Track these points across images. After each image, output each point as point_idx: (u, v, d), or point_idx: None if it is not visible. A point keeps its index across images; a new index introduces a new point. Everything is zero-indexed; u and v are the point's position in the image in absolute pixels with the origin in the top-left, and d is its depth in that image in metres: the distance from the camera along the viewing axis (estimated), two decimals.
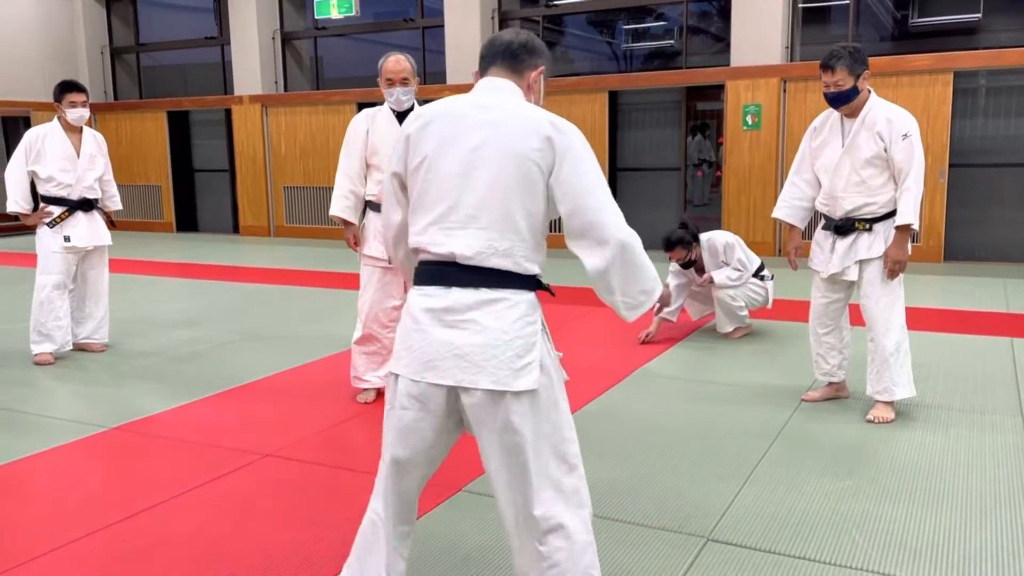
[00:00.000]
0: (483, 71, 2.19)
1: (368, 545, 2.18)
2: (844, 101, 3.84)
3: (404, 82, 4.18)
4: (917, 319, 4.89)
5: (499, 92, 2.13)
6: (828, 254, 4.05)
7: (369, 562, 2.17)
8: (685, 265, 5.72)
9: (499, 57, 2.17)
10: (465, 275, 1.99)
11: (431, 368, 1.99)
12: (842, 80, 3.79)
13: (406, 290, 4.38)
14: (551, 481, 2.01)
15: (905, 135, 3.78)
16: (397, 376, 2.07)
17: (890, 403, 4.03)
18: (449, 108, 2.10)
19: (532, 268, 2.03)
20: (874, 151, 3.83)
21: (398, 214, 2.20)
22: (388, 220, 2.25)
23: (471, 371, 1.96)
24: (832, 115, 4.01)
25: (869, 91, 3.88)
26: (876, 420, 3.98)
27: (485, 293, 1.98)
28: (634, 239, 2.02)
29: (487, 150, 2.00)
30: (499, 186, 1.98)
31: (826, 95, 3.87)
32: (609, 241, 1.99)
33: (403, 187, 2.15)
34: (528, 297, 2.02)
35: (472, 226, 1.99)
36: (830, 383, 4.32)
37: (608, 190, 2.03)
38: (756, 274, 5.81)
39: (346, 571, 2.23)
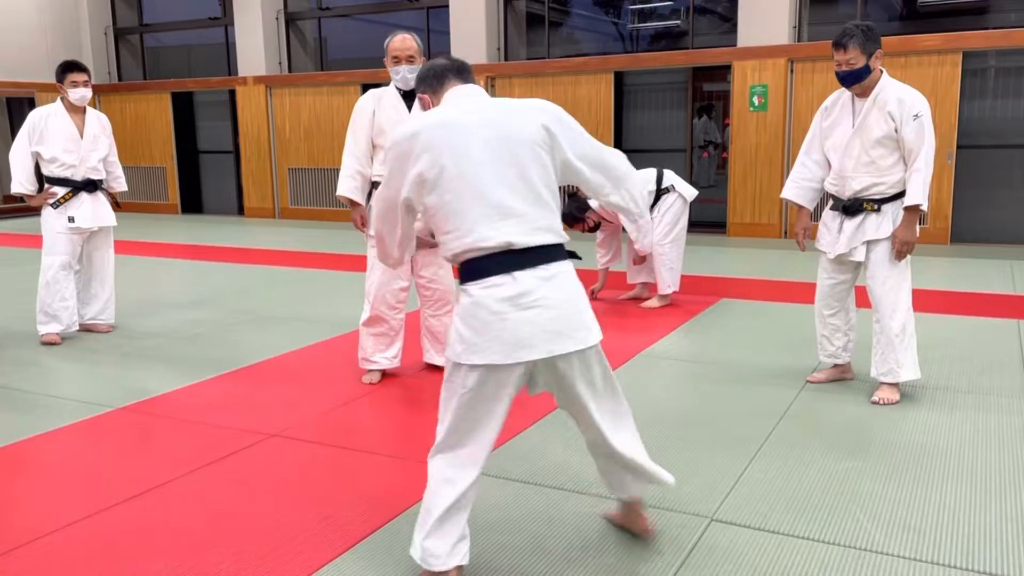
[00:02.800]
0: (438, 88, 2.44)
1: (452, 514, 2.35)
2: (856, 80, 3.81)
3: (410, 60, 4.17)
4: (923, 301, 4.88)
5: (476, 96, 2.39)
6: (836, 235, 4.03)
7: (456, 519, 2.37)
8: (592, 230, 6.18)
9: (452, 73, 2.44)
10: (523, 258, 2.22)
11: (523, 347, 2.21)
12: (854, 59, 3.75)
13: (414, 271, 4.41)
14: (620, 416, 2.50)
15: (916, 115, 3.75)
16: (476, 366, 2.24)
17: (895, 384, 4.02)
18: (441, 120, 2.29)
19: (565, 235, 2.33)
20: (885, 131, 3.80)
21: (399, 230, 2.45)
22: (392, 232, 2.47)
23: (554, 341, 2.22)
24: (843, 95, 3.98)
25: (881, 71, 3.85)
26: (881, 401, 3.98)
27: (546, 270, 2.24)
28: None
29: (501, 149, 2.24)
30: (528, 177, 2.25)
31: (838, 74, 3.83)
32: (629, 185, 2.53)
33: (410, 209, 2.37)
34: (571, 266, 2.34)
35: (511, 216, 2.22)
36: (835, 365, 4.31)
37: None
38: (659, 194, 6.11)
39: (428, 534, 2.37)
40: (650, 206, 6.10)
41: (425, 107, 2.49)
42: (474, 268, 2.23)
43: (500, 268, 2.20)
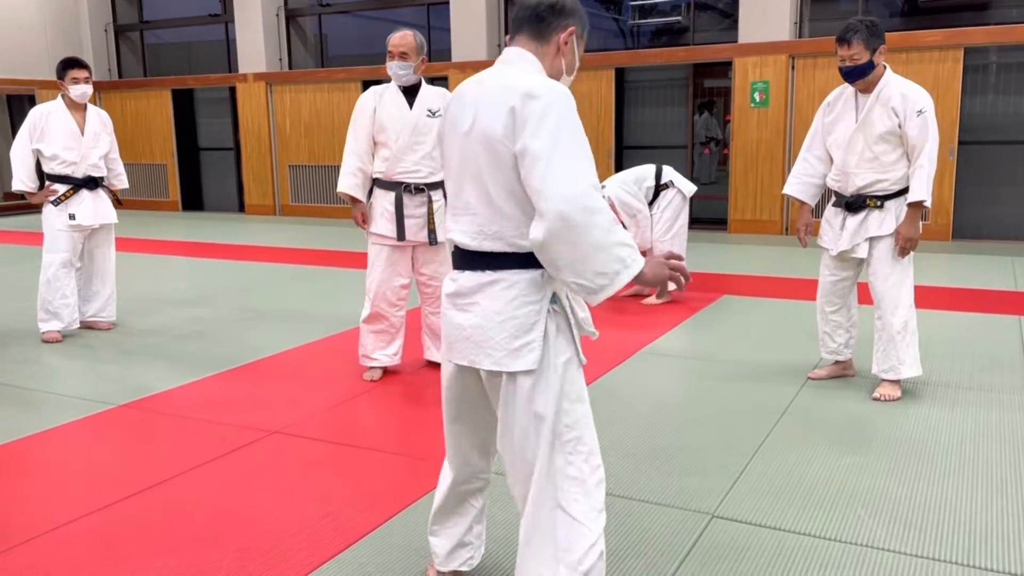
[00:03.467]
0: (511, 39, 2.10)
1: (443, 515, 2.36)
2: (859, 75, 3.80)
3: (403, 56, 4.16)
4: (925, 297, 4.87)
5: (508, 64, 2.04)
6: (838, 231, 4.03)
7: (449, 522, 2.35)
8: None
9: (525, 22, 2.06)
10: (470, 259, 2.01)
11: (452, 349, 2.07)
12: (858, 54, 3.75)
13: (415, 268, 4.41)
14: (547, 468, 1.96)
15: (920, 111, 3.74)
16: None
17: (896, 381, 4.02)
18: (460, 89, 2.07)
19: (520, 244, 1.95)
20: (888, 127, 3.79)
21: None
22: None
23: (475, 352, 2.00)
24: (846, 90, 3.97)
25: (885, 66, 3.84)
26: (882, 398, 3.98)
27: (487, 275, 1.98)
28: (583, 214, 1.79)
29: (473, 133, 1.95)
30: (480, 171, 1.94)
31: (841, 69, 3.83)
32: (545, 212, 1.80)
33: None
34: (529, 276, 1.96)
35: (467, 212, 2.00)
36: (836, 361, 4.31)
37: (573, 158, 1.83)
38: (658, 190, 6.05)
39: (432, 530, 2.39)
40: (649, 202, 6.11)
41: None
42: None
43: (456, 263, 2.06)
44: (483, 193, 1.95)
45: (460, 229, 2.01)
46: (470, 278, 2.01)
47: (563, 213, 1.79)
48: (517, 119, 1.86)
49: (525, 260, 1.96)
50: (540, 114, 1.84)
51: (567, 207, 1.79)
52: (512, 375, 1.96)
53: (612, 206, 6.02)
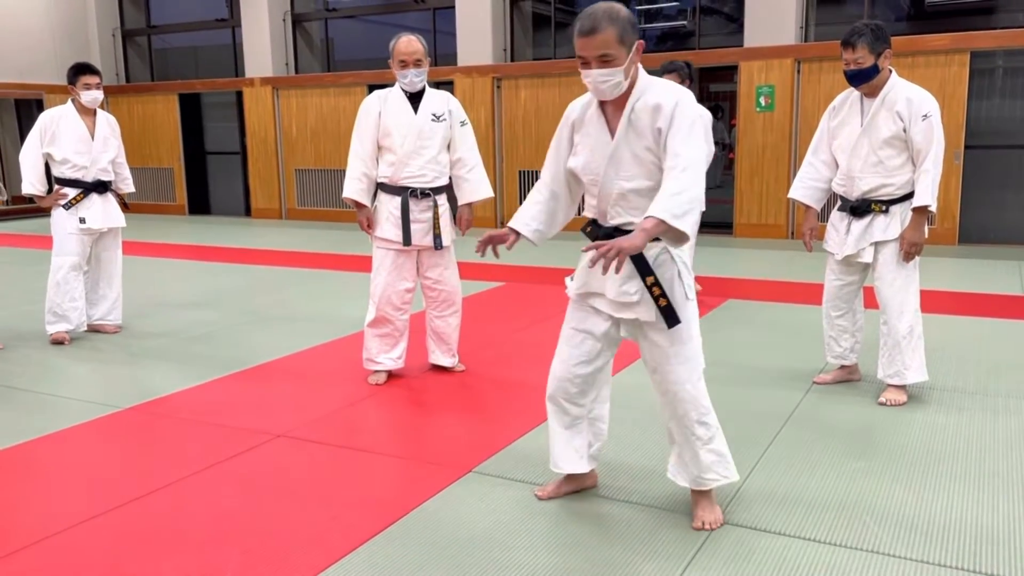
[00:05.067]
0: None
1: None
2: (864, 79, 3.80)
3: (417, 64, 4.17)
4: (930, 302, 4.86)
5: None
6: (843, 236, 4.02)
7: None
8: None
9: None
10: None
11: None
12: (862, 58, 3.74)
13: (420, 273, 4.41)
14: None
15: (925, 116, 3.73)
16: None
17: (902, 386, 4.01)
18: None
19: None
20: (893, 131, 3.79)
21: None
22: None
23: None
24: (852, 94, 3.97)
25: (890, 70, 3.83)
26: (888, 403, 3.97)
27: None
28: None
29: None
30: None
31: (846, 73, 3.82)
32: None
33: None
34: None
35: None
36: (842, 366, 4.30)
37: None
38: None
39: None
40: None
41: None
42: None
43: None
44: None
45: None
46: None
47: None
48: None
49: None
50: None
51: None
52: None
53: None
